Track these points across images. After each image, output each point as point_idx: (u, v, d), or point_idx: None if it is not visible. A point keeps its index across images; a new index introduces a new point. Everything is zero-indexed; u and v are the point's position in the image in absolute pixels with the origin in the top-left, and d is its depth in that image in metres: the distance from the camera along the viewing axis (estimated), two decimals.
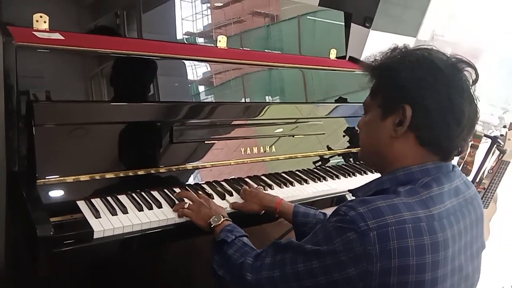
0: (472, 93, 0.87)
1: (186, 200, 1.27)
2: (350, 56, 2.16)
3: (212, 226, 1.15)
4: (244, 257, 1.00)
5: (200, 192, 1.34)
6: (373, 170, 1.83)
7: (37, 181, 1.12)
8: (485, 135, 2.57)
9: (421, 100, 0.84)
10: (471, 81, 0.88)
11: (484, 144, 2.57)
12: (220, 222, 1.15)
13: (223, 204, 1.32)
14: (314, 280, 0.84)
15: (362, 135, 0.99)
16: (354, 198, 0.96)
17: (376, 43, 2.50)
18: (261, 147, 1.58)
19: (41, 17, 1.30)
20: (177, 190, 1.34)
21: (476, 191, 0.97)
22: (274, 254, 0.95)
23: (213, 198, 1.33)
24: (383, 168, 0.94)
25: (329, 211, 1.55)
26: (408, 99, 0.86)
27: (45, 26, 1.31)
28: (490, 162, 2.58)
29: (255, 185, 1.47)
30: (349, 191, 1.02)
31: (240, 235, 1.10)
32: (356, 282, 0.79)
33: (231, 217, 1.20)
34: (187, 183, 1.40)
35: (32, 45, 1.17)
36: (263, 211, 1.34)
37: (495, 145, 2.53)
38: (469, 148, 2.50)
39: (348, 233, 0.79)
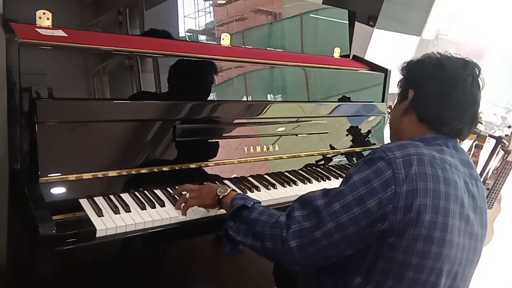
0: (470, 85, 1.03)
1: (185, 194, 1.25)
2: (354, 55, 2.15)
3: (220, 197, 1.15)
4: (274, 217, 1.02)
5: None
6: None
7: (40, 179, 1.11)
8: (490, 135, 2.55)
9: (420, 86, 1.07)
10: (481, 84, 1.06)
11: (488, 144, 2.55)
12: (227, 192, 1.16)
13: None
14: (349, 214, 0.93)
15: (390, 117, 1.21)
16: None
17: (380, 42, 2.49)
18: (264, 146, 1.57)
19: (44, 13, 1.29)
20: None
21: (478, 175, 1.09)
22: (304, 207, 1.00)
23: None
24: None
25: None
26: (413, 86, 1.09)
27: (48, 23, 1.30)
28: (495, 162, 2.57)
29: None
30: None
31: (257, 201, 1.12)
32: (385, 205, 0.91)
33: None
34: (190, 181, 1.38)
35: (35, 42, 1.16)
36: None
37: (500, 145, 2.51)
38: (473, 148, 2.49)
39: (377, 163, 0.94)
